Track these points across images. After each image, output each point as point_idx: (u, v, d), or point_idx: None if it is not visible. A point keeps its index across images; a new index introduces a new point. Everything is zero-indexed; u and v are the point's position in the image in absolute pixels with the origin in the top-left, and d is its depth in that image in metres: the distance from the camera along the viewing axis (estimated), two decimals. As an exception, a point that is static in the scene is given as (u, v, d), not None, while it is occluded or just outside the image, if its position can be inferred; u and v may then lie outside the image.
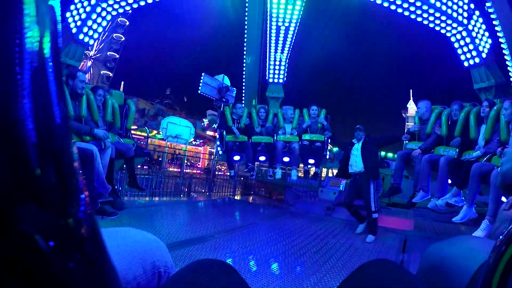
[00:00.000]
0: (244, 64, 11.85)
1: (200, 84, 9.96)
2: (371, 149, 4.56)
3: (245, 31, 11.19)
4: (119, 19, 35.72)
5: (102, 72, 35.59)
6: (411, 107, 44.11)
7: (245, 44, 11.40)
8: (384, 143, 4.92)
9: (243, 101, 13.33)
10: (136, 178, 4.53)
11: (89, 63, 36.29)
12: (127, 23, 36.57)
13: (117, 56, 37.05)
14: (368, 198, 4.25)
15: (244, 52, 11.53)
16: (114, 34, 36.44)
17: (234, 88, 10.79)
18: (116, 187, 5.75)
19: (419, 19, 7.68)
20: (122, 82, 38.45)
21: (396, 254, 3.78)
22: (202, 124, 25.17)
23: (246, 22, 10.85)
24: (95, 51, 36.18)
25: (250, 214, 5.68)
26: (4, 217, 0.24)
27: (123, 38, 36.96)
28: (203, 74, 9.83)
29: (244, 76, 12.10)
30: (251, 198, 5.72)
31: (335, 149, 5.46)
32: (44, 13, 0.28)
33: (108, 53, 36.52)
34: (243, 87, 12.72)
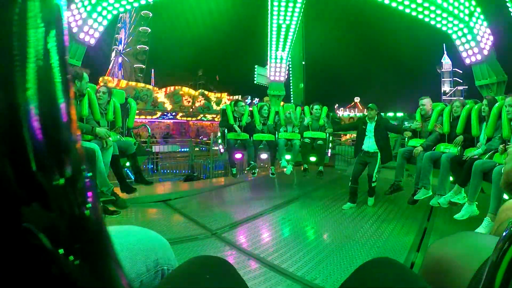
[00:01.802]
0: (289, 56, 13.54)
1: (255, 76, 10.53)
2: (383, 133, 4.97)
3: None
4: (141, 28, 36.20)
5: (135, 65, 36.21)
6: (446, 61, 43.56)
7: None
8: (391, 130, 5.34)
9: (290, 84, 15.53)
10: (142, 173, 4.57)
11: (120, 60, 36.90)
12: (149, 30, 36.95)
13: (144, 67, 37.70)
14: (372, 171, 4.81)
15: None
16: (139, 47, 36.94)
17: None
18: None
19: (421, 16, 7.65)
20: (152, 70, 38.69)
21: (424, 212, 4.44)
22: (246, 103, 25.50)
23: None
24: (123, 50, 36.79)
25: (312, 181, 6.42)
26: (8, 216, 0.24)
27: (147, 48, 37.45)
28: (256, 66, 10.34)
29: (289, 61, 13.81)
30: (302, 167, 6.10)
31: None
32: (50, 11, 0.28)
33: (135, 65, 37.07)
34: (290, 72, 15.18)
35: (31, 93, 0.25)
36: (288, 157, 5.68)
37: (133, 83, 22.21)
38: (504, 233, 0.45)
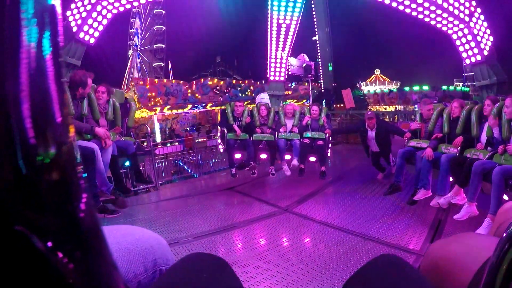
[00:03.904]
0: (317, 37, 15.91)
1: (289, 67, 11.40)
2: (384, 137, 5.47)
3: (313, 7, 14.98)
4: (156, 27, 36.64)
5: (154, 64, 36.81)
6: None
7: (314, 19, 15.43)
8: (393, 133, 5.88)
9: (320, 68, 16.27)
10: (142, 173, 4.58)
11: (138, 62, 37.49)
12: (164, 28, 37.34)
13: (163, 65, 38.47)
14: (388, 160, 5.76)
15: (315, 26, 15.58)
16: (155, 46, 37.41)
17: (312, 62, 12.78)
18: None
19: (421, 16, 7.64)
20: (170, 62, 39.12)
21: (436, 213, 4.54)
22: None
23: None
24: (140, 43, 37.37)
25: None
26: (1, 218, 0.24)
27: (164, 46, 38.00)
28: (288, 58, 11.24)
29: (318, 46, 16.13)
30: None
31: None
32: (44, 12, 0.27)
33: (155, 45, 37.48)
34: (318, 56, 16.34)
35: (24, 94, 0.25)
36: (288, 157, 5.68)
37: (164, 80, 23.22)
38: (504, 234, 0.45)
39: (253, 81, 25.51)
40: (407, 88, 26.74)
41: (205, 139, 14.54)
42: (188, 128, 22.64)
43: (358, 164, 7.41)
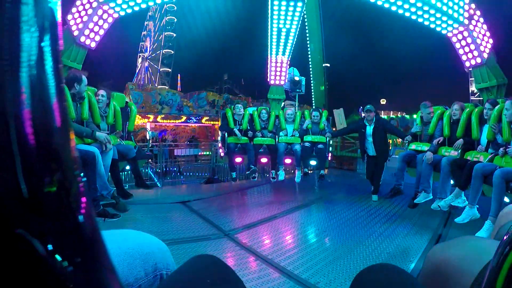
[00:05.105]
0: (309, 52, 14.64)
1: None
2: (382, 135, 5.26)
3: (306, 21, 13.78)
4: (167, 33, 37.46)
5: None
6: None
7: (307, 32, 14.12)
8: (391, 132, 5.72)
9: (312, 86, 15.35)
10: (142, 177, 4.56)
11: (146, 64, 38.04)
12: (174, 35, 38.11)
13: (170, 70, 39.25)
14: (379, 175, 5.27)
15: (308, 40, 14.34)
16: (164, 51, 38.13)
17: (303, 77, 12.09)
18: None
19: (420, 19, 7.66)
20: (179, 75, 39.72)
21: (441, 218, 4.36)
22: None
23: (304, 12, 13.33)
24: (149, 56, 38.20)
25: (332, 184, 6.85)
26: (2, 221, 0.24)
27: (173, 52, 38.76)
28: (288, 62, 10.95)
29: (310, 62, 14.89)
30: (326, 170, 6.17)
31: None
32: (43, 15, 0.28)
33: (161, 69, 38.44)
34: (311, 74, 15.37)
35: (24, 98, 0.25)
36: (288, 161, 5.68)
37: (158, 87, 22.91)
38: (504, 237, 0.44)
39: (251, 99, 25.57)
40: (408, 116, 26.86)
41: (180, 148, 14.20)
42: (171, 142, 22.51)
43: (345, 187, 6.72)
